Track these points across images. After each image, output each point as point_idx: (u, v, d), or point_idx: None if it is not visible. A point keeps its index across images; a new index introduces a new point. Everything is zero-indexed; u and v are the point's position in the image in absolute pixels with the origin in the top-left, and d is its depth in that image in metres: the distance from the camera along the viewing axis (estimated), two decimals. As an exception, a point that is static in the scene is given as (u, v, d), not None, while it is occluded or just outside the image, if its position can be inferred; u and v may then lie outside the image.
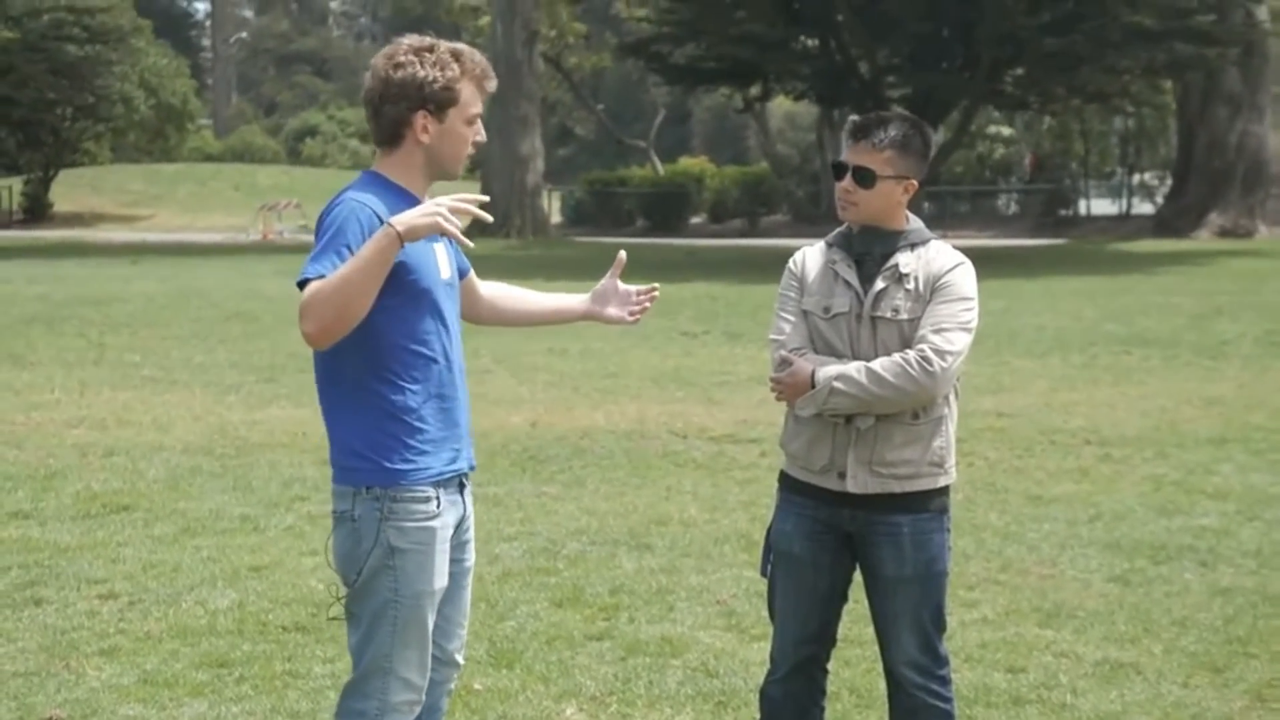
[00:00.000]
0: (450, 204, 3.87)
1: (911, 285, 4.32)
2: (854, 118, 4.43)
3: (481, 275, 4.54)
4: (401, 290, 3.96)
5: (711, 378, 14.96)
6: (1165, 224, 44.15)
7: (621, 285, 4.55)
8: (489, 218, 4.01)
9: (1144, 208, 50.84)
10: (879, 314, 4.33)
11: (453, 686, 4.38)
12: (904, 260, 4.35)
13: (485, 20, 54.00)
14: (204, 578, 7.53)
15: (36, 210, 54.38)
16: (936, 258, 4.37)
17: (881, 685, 4.73)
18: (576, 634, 6.65)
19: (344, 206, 3.95)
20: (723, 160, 62.67)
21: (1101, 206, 52.66)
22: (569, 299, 4.64)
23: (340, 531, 4.06)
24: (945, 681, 4.50)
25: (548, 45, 56.74)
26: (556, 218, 53.40)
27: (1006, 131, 55.33)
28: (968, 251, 4.57)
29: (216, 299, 23.67)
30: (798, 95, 44.98)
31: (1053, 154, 54.69)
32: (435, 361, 4.06)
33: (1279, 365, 15.69)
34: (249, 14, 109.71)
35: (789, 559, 4.49)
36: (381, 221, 3.91)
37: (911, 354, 4.23)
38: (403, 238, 3.81)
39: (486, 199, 4.01)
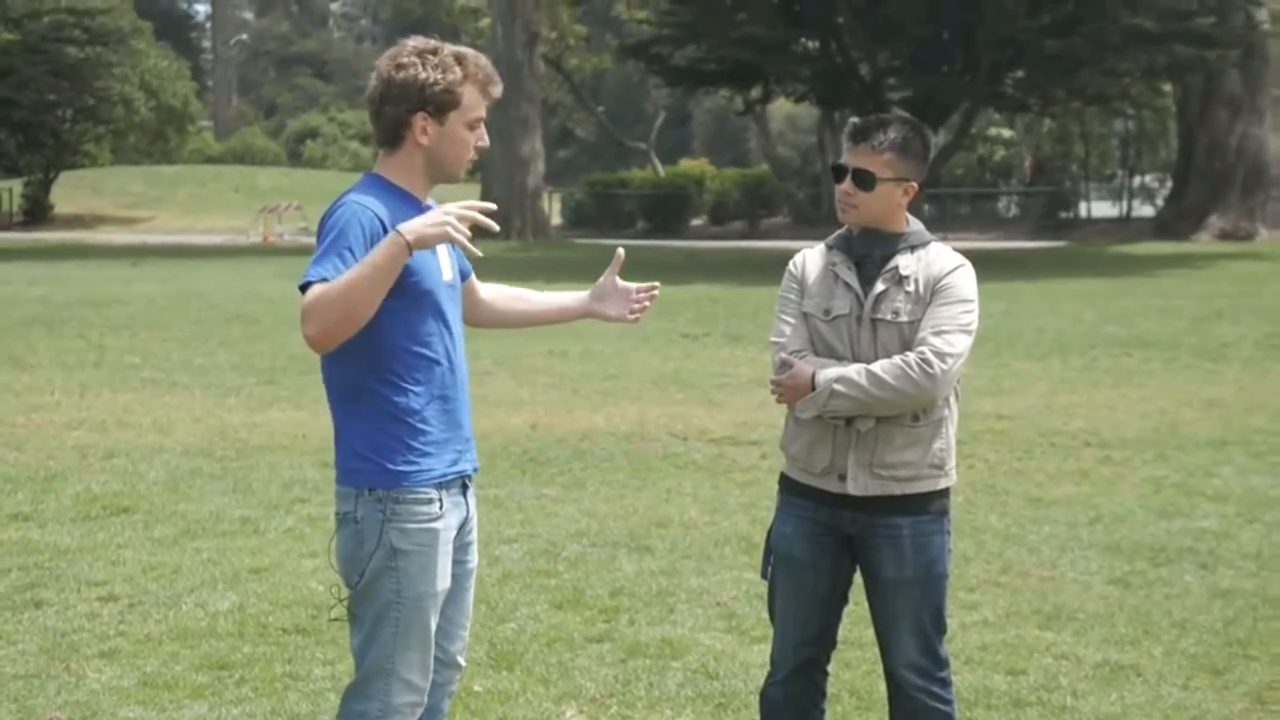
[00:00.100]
0: (459, 212, 3.87)
1: (911, 287, 4.32)
2: (854, 120, 4.44)
3: (481, 277, 4.54)
4: (404, 292, 3.96)
5: (712, 380, 14.96)
6: (1165, 226, 44.14)
7: (621, 283, 4.54)
8: (495, 227, 4.00)
9: (1144, 210, 50.84)
10: (879, 316, 4.33)
11: (454, 688, 4.38)
12: (904, 262, 4.36)
13: (485, 22, 54.01)
14: (204, 580, 7.53)
15: (37, 212, 54.41)
16: (936, 260, 4.37)
17: (882, 687, 4.73)
18: (577, 636, 6.65)
19: (345, 209, 3.95)
20: (723, 162, 62.70)
21: (1102, 209, 52.67)
22: (568, 297, 4.63)
23: (343, 533, 4.06)
24: (945, 684, 4.50)
25: (548, 47, 56.75)
26: (557, 219, 53.42)
27: (1007, 134, 55.36)
28: (968, 254, 4.57)
29: (217, 301, 23.68)
30: (798, 97, 44.99)
31: (1053, 156, 54.70)
32: (438, 363, 4.06)
33: (1279, 368, 15.68)
34: (249, 16, 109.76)
35: (789, 561, 4.49)
36: (383, 224, 3.92)
37: (912, 356, 4.23)
38: (411, 246, 3.80)
39: (494, 207, 4.00)
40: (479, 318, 4.54)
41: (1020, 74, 40.14)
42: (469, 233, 3.88)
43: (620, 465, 10.55)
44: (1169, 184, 48.86)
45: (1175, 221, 44.00)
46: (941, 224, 44.06)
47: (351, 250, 3.86)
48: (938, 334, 4.26)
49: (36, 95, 54.04)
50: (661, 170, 59.26)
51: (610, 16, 64.60)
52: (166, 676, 6.07)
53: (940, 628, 4.48)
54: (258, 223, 47.23)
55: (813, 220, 48.15)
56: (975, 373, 14.16)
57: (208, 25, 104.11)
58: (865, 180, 4.33)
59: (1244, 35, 41.19)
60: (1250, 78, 43.08)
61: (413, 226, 3.82)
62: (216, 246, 41.70)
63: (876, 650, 4.61)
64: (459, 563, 4.18)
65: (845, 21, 38.66)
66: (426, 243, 3.84)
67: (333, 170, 69.93)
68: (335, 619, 4.40)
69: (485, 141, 4.17)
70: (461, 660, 4.34)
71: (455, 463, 4.11)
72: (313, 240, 4.09)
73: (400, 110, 4.03)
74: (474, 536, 4.29)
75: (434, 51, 4.04)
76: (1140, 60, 38.13)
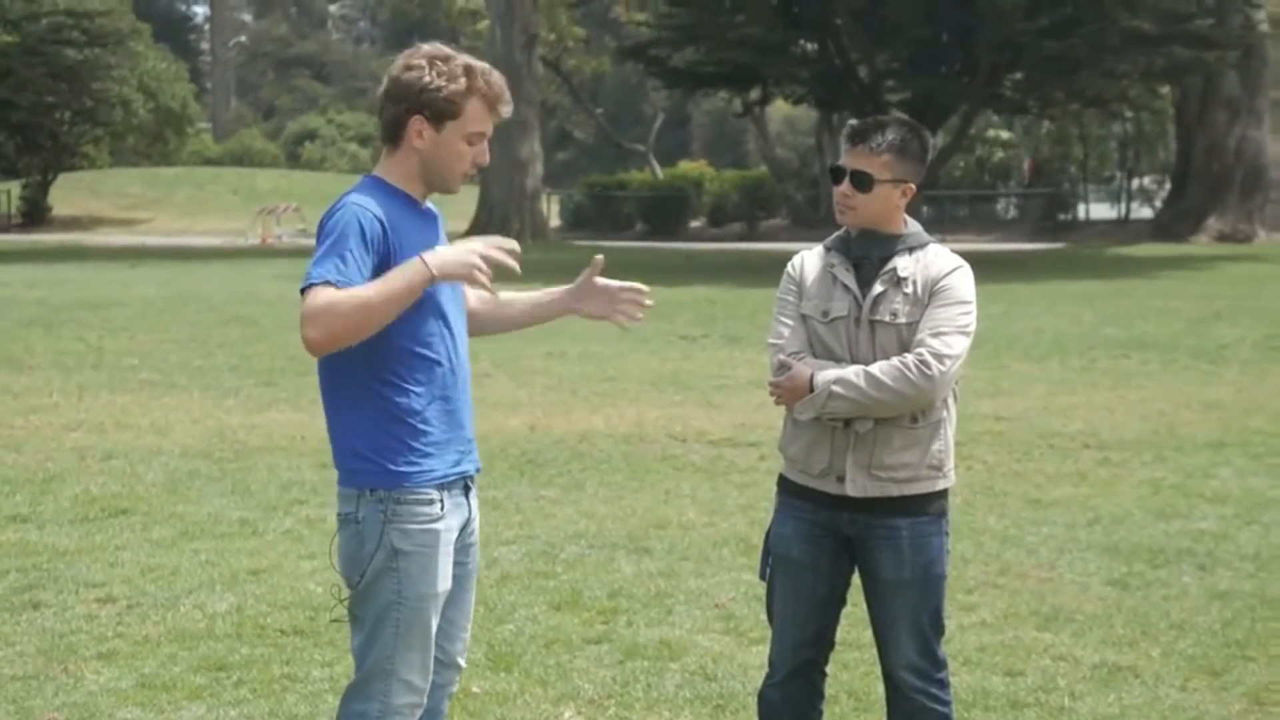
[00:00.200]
0: (484, 251, 3.89)
1: (910, 289, 4.33)
2: (852, 122, 4.44)
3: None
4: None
5: (710, 381, 14.96)
6: (1164, 228, 44.18)
7: (602, 282, 4.45)
8: (519, 270, 4.01)
9: (1143, 212, 50.88)
10: (877, 318, 4.33)
11: (454, 689, 4.38)
12: (902, 264, 4.36)
13: (484, 24, 54.03)
14: (202, 581, 7.53)
15: (35, 214, 54.43)
16: (935, 261, 4.38)
17: (880, 689, 4.73)
18: (575, 637, 6.65)
19: (346, 210, 3.95)
20: (722, 164, 62.71)
21: (1100, 211, 52.69)
22: (545, 294, 4.55)
23: (344, 533, 4.06)
24: (944, 685, 4.50)
25: (547, 49, 56.79)
26: (555, 221, 53.43)
27: (1005, 136, 55.38)
28: (966, 255, 4.57)
29: (215, 303, 23.68)
30: (797, 99, 44.99)
31: (1051, 158, 54.72)
32: (439, 364, 4.06)
33: (1277, 370, 15.69)
34: (248, 18, 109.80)
35: (788, 562, 4.49)
36: (382, 225, 3.93)
37: (910, 358, 4.24)
38: (434, 278, 3.84)
39: (518, 248, 4.00)
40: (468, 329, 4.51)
41: (1019, 76, 40.17)
42: (491, 274, 3.91)
43: (619, 467, 10.55)
44: (1167, 186, 48.91)
45: (1174, 223, 44.04)
46: (940, 226, 44.07)
47: (352, 252, 3.86)
48: (936, 335, 4.26)
49: (35, 97, 54.08)
50: (660, 172, 59.29)
51: (609, 18, 64.66)
52: (165, 678, 6.07)
53: (938, 629, 4.48)
54: (256, 224, 47.23)
55: (811, 222, 48.17)
56: (974, 374, 14.17)
57: (206, 27, 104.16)
58: (863, 182, 4.33)
59: (1242, 37, 41.24)
60: (1249, 80, 43.14)
61: (439, 259, 3.85)
62: (215, 248, 41.71)
63: (875, 651, 4.61)
64: (460, 564, 4.18)
65: (844, 23, 38.69)
66: (449, 277, 3.88)
67: (331, 172, 69.93)
68: (335, 620, 4.40)
69: (485, 159, 4.15)
70: (462, 661, 4.34)
71: (457, 463, 4.11)
72: (311, 242, 4.10)
73: (400, 109, 4.03)
74: (476, 538, 4.29)
75: (445, 59, 4.04)
76: (1139, 62, 38.17)
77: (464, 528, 4.18)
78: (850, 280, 4.37)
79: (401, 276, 3.83)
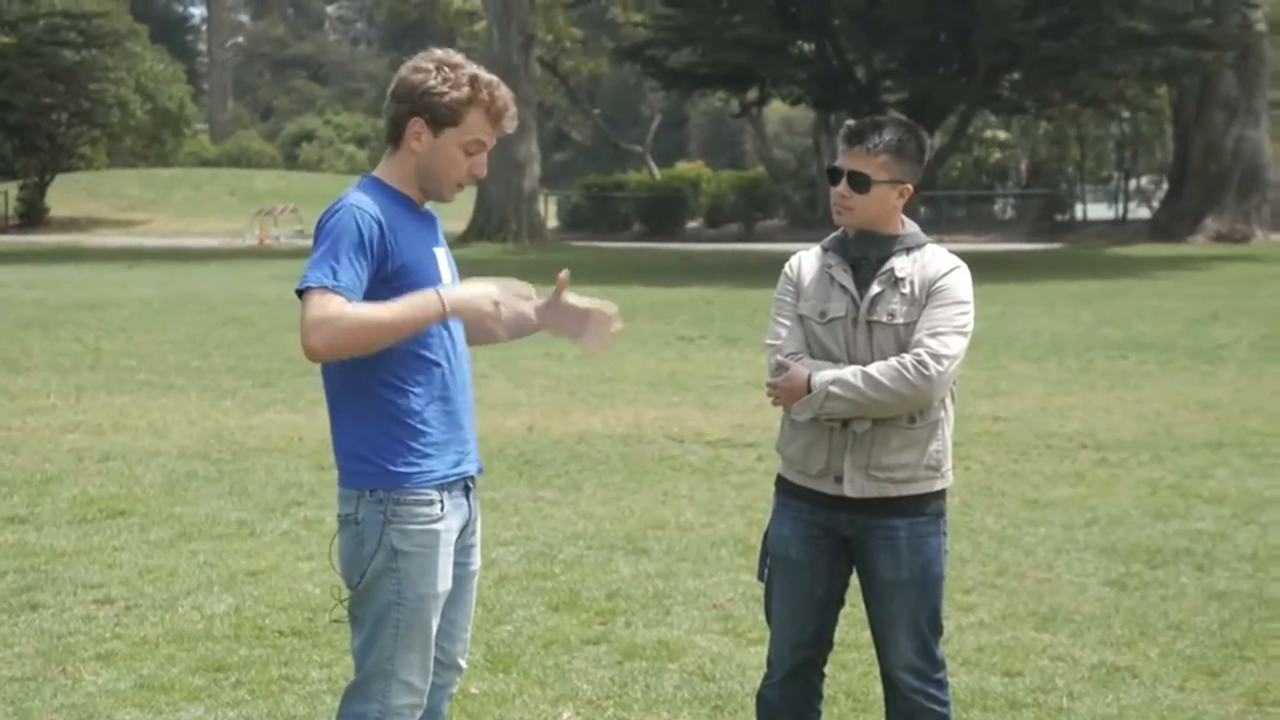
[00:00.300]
0: (500, 299, 3.91)
1: (907, 289, 4.33)
2: (849, 123, 4.44)
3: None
4: (403, 294, 3.96)
5: (708, 382, 14.96)
6: (1161, 229, 44.19)
7: (571, 300, 4.33)
8: (534, 318, 4.04)
9: (1140, 212, 50.88)
10: (875, 318, 4.33)
11: (454, 690, 4.38)
12: (900, 265, 4.36)
13: (481, 25, 54.02)
14: (200, 583, 7.52)
15: (32, 215, 54.41)
16: (932, 262, 4.38)
17: (878, 689, 4.73)
18: (573, 638, 6.65)
19: (344, 212, 3.96)
20: (719, 165, 62.71)
21: (1098, 211, 52.69)
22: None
23: (344, 534, 4.06)
24: (942, 685, 4.50)
25: (544, 50, 56.79)
26: (553, 222, 53.42)
27: (1003, 136, 55.39)
28: (964, 256, 4.57)
29: (213, 304, 23.67)
30: (794, 100, 45.00)
31: (1049, 159, 54.76)
32: (438, 365, 4.06)
33: (1275, 370, 15.70)
34: (245, 19, 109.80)
35: (786, 563, 4.49)
36: (381, 227, 3.94)
37: (908, 358, 4.24)
38: (446, 314, 3.89)
39: (533, 294, 4.02)
40: None
41: (1016, 76, 40.20)
42: (501, 320, 3.94)
43: (617, 468, 10.56)
44: (1165, 186, 48.92)
45: (1171, 224, 44.05)
46: (937, 226, 44.08)
47: (350, 255, 3.87)
48: (934, 336, 4.27)
49: (32, 98, 54.07)
50: (657, 173, 59.29)
51: (606, 19, 64.62)
52: (163, 679, 6.07)
53: (936, 629, 4.48)
54: (253, 225, 47.24)
55: (809, 223, 48.17)
56: (971, 375, 14.17)
57: (203, 28, 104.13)
58: (860, 183, 4.33)
59: (1239, 37, 41.25)
60: (1246, 80, 43.15)
61: (454, 298, 3.88)
62: (212, 249, 41.71)
63: (873, 652, 4.61)
64: (461, 565, 4.18)
65: (841, 23, 38.69)
66: (462, 316, 3.92)
67: (328, 173, 69.92)
68: (335, 620, 4.40)
69: (482, 172, 4.15)
70: (462, 662, 4.34)
71: (457, 464, 4.11)
72: (308, 243, 4.10)
73: (402, 110, 4.04)
74: (477, 539, 4.29)
75: (454, 66, 4.04)
76: (1136, 62, 38.18)
77: (464, 529, 4.18)
78: (848, 281, 4.38)
79: (414, 307, 3.87)
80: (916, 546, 4.38)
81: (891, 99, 40.23)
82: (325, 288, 3.83)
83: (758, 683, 4.68)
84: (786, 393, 4.32)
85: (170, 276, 30.27)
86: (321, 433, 4.12)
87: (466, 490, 4.17)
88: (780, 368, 4.36)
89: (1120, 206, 52.50)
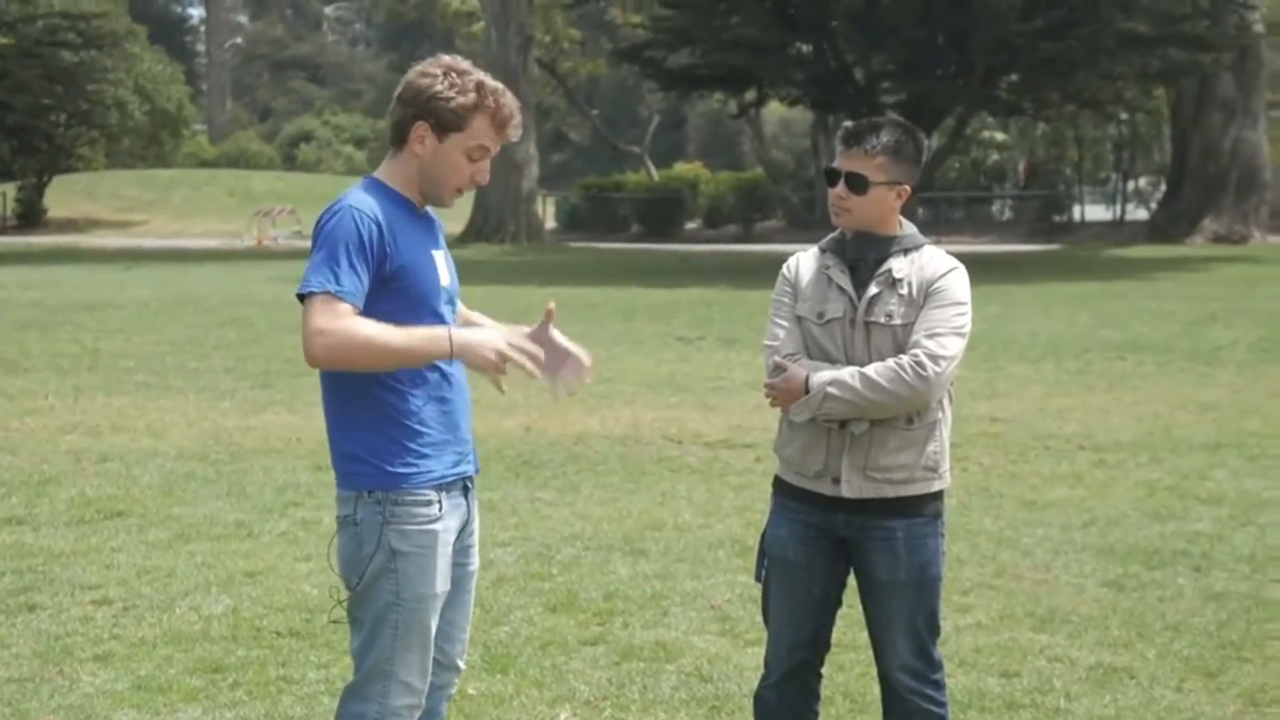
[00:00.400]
0: (507, 353, 3.93)
1: (905, 290, 4.33)
2: (847, 124, 4.44)
3: (477, 282, 4.53)
4: (401, 296, 3.98)
5: (706, 383, 14.97)
6: (1159, 230, 44.22)
7: (555, 337, 4.30)
8: (539, 375, 4.07)
9: (1138, 214, 50.92)
10: (873, 319, 4.33)
11: (453, 691, 4.39)
12: (897, 265, 4.36)
13: (479, 26, 54.03)
14: (198, 583, 7.52)
15: (31, 216, 54.39)
16: (930, 263, 4.38)
17: (875, 690, 4.73)
18: (571, 639, 6.65)
19: (344, 214, 3.96)
20: (717, 166, 62.73)
21: (1095, 212, 52.73)
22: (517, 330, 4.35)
23: (343, 535, 4.07)
24: (939, 686, 4.50)
25: (542, 51, 56.77)
26: (551, 223, 53.43)
27: (1000, 137, 55.43)
28: (962, 257, 4.58)
29: (211, 305, 23.67)
30: (792, 101, 45.02)
31: (1047, 160, 54.80)
32: (435, 366, 4.06)
33: (1272, 371, 15.71)
34: (244, 19, 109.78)
35: (783, 564, 4.49)
36: (381, 229, 3.94)
37: (905, 359, 4.24)
38: (453, 355, 3.93)
39: (540, 354, 4.03)
40: None
41: (1014, 78, 40.20)
42: (506, 373, 3.97)
43: (614, 469, 10.56)
44: (1163, 187, 48.96)
45: (1169, 225, 44.08)
46: (935, 227, 44.12)
47: (350, 259, 3.88)
48: (931, 337, 4.27)
49: (30, 99, 54.04)
50: (656, 174, 59.27)
51: (604, 20, 64.64)
52: (160, 680, 6.07)
53: (934, 630, 4.48)
54: (252, 226, 47.23)
55: (807, 224, 48.19)
56: (969, 376, 14.18)
57: (202, 29, 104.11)
58: (858, 184, 4.34)
59: (1237, 38, 41.27)
60: (1244, 81, 43.18)
61: (463, 342, 3.91)
62: (210, 250, 41.71)
63: (870, 653, 4.61)
64: (460, 565, 4.19)
65: (839, 25, 38.69)
66: (468, 361, 3.95)
67: (327, 174, 69.94)
68: (334, 621, 4.40)
69: (484, 179, 4.15)
70: (461, 663, 4.34)
71: (456, 464, 4.11)
72: (306, 244, 4.10)
73: (407, 113, 4.05)
74: (476, 539, 4.29)
75: (461, 72, 4.05)
76: (1134, 64, 38.18)
77: (463, 529, 4.19)
78: (845, 282, 4.38)
79: (424, 340, 3.90)
80: (914, 547, 4.38)
81: (889, 100, 40.24)
82: (328, 293, 3.84)
83: (755, 683, 4.69)
84: (784, 394, 4.32)
85: (168, 277, 30.27)
86: (319, 434, 4.12)
87: (465, 491, 4.18)
88: (778, 369, 4.36)
89: (1118, 208, 52.54)
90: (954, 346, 4.28)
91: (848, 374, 4.25)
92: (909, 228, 4.46)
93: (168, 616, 6.95)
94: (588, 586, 7.48)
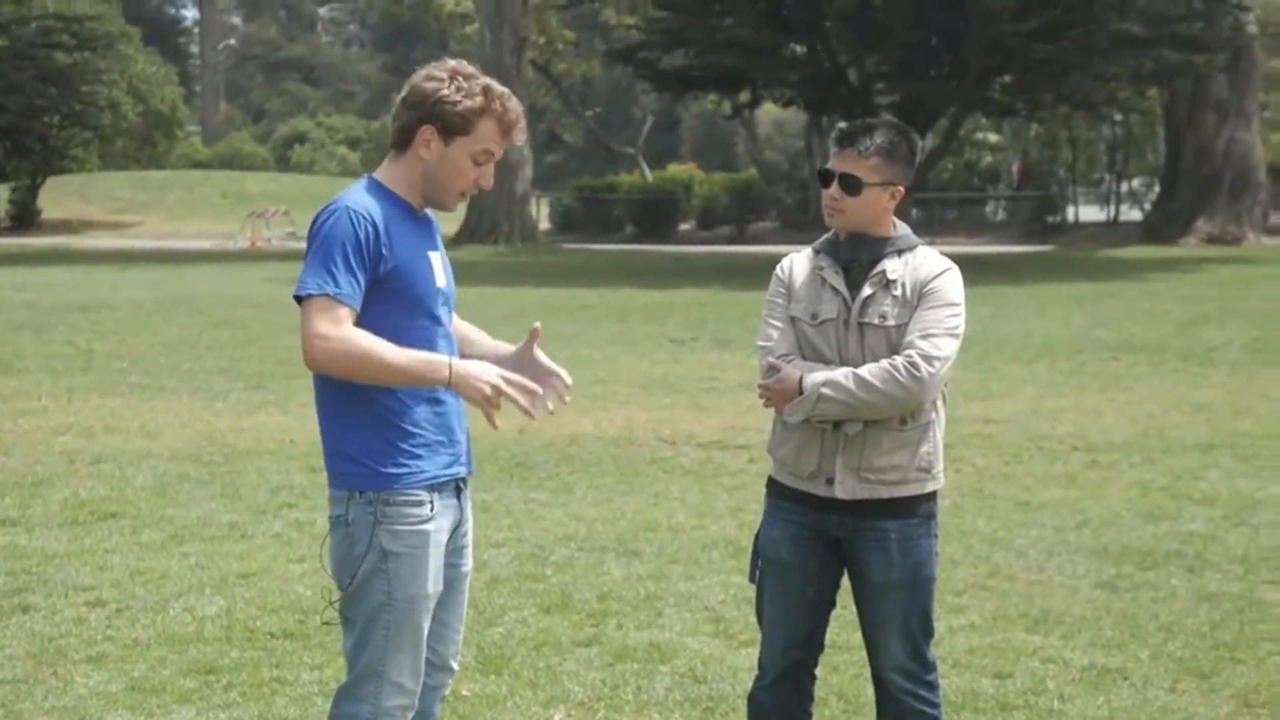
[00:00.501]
0: (503, 389, 3.92)
1: (899, 291, 4.33)
2: (840, 125, 4.44)
3: (471, 283, 4.53)
4: (397, 296, 3.98)
5: (700, 384, 14.97)
6: (1153, 230, 44.28)
7: (538, 357, 4.28)
8: (534, 416, 4.08)
9: (1132, 214, 51.00)
10: (866, 320, 4.33)
11: (446, 692, 4.38)
12: (891, 267, 4.36)
13: (473, 27, 54.01)
14: (192, 585, 7.52)
15: (24, 217, 54.32)
16: (924, 264, 4.38)
17: (869, 691, 4.73)
18: (564, 640, 6.65)
19: (340, 215, 3.96)
20: (711, 167, 62.74)
21: (1089, 213, 52.80)
22: (496, 347, 4.40)
23: (335, 536, 4.07)
24: (933, 687, 4.50)
25: (536, 52, 56.78)
26: (545, 224, 53.40)
27: (994, 138, 55.47)
28: (955, 258, 4.58)
29: (204, 306, 23.65)
30: (786, 102, 45.03)
31: (1040, 161, 54.84)
32: None
33: (1266, 372, 15.73)
34: (237, 21, 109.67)
35: (777, 565, 4.49)
36: (377, 231, 3.94)
37: (899, 360, 4.24)
38: (451, 385, 3.93)
39: (539, 391, 4.03)
40: None
41: (1008, 78, 40.23)
42: (499, 409, 3.96)
43: (608, 470, 10.56)
44: (1156, 188, 49.02)
45: (1162, 225, 44.14)
46: (929, 228, 44.17)
47: (347, 260, 3.88)
48: (925, 337, 4.27)
49: (24, 100, 53.93)
50: (649, 175, 59.28)
51: (598, 21, 64.68)
52: (154, 681, 6.07)
53: (928, 631, 4.48)
54: (245, 228, 47.18)
55: (801, 225, 48.18)
56: (963, 377, 14.18)
57: (196, 30, 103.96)
58: (852, 185, 4.34)
59: (1231, 39, 41.33)
60: (1237, 82, 43.25)
61: (461, 373, 3.92)
62: (204, 251, 41.66)
63: (864, 654, 4.61)
64: (453, 566, 4.18)
65: (833, 26, 38.71)
66: (463, 392, 3.95)
67: (320, 175, 69.89)
68: (327, 622, 4.40)
69: (488, 183, 4.16)
70: (454, 664, 4.34)
71: (449, 465, 4.11)
72: (300, 245, 4.10)
73: (412, 117, 4.05)
74: (469, 540, 4.29)
75: (467, 76, 4.06)
76: (1128, 65, 38.22)
77: (456, 530, 4.18)
78: (839, 283, 4.38)
79: (424, 363, 3.91)
80: (907, 548, 4.38)
81: (883, 101, 40.28)
82: (327, 295, 3.85)
83: (749, 684, 4.69)
84: (778, 394, 4.32)
85: (162, 279, 30.24)
86: (313, 435, 4.12)
87: (458, 491, 4.17)
88: (772, 369, 4.36)
89: (1112, 208, 52.59)
90: (948, 347, 4.29)
91: (841, 375, 4.25)
92: (903, 229, 4.46)
93: (161, 618, 6.94)
94: (582, 588, 7.48)
